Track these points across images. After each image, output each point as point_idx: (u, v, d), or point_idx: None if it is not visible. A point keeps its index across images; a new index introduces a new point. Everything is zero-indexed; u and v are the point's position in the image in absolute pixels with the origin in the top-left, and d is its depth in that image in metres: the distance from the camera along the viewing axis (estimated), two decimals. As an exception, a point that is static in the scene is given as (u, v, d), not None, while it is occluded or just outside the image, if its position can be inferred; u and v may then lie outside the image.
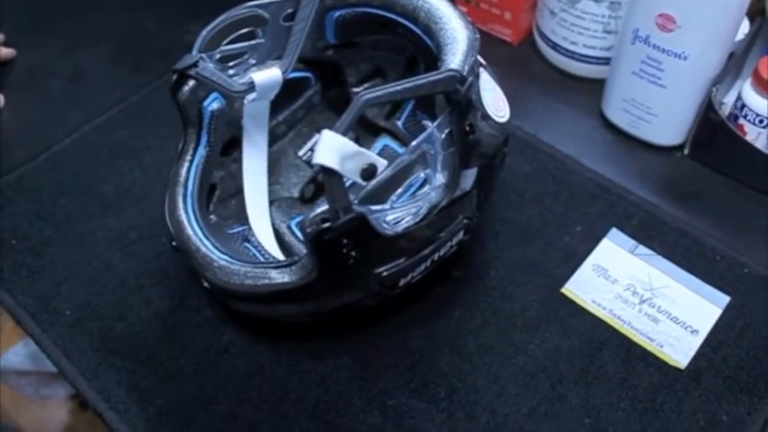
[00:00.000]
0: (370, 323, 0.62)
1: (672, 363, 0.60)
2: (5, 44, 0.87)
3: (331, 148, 0.46)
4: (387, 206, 0.51)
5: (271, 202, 0.67)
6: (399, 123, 0.69)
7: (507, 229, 0.68)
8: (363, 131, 0.70)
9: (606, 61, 0.78)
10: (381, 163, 0.49)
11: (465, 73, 0.51)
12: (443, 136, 0.52)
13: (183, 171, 0.59)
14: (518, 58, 0.85)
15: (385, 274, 0.53)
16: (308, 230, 0.48)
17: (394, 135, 0.70)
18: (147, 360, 0.62)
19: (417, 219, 0.52)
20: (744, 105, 0.69)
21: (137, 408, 0.59)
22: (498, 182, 0.62)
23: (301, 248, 0.63)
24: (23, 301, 0.66)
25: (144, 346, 0.62)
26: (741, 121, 0.70)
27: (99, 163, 0.76)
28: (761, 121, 0.69)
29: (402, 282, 0.55)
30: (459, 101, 0.51)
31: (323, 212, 0.48)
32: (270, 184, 0.67)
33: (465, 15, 0.57)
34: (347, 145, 0.47)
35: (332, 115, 0.70)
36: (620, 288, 0.65)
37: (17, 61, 0.87)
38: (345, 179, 0.48)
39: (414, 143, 0.51)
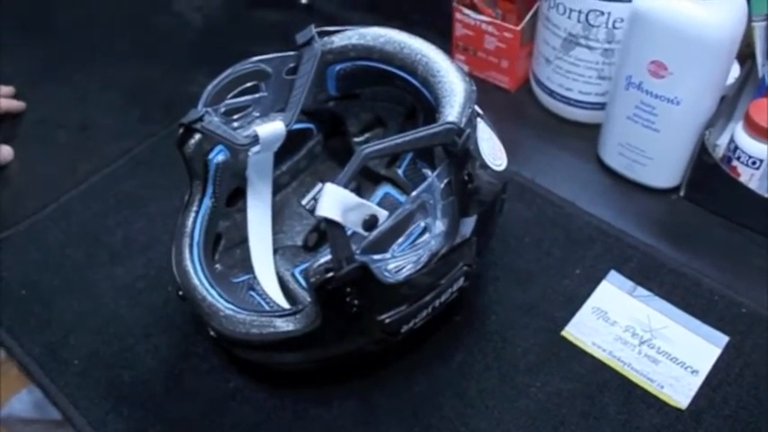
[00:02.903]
0: (373, 368, 0.63)
1: (672, 403, 0.61)
2: (15, 96, 0.89)
3: (333, 200, 0.48)
4: (388, 255, 0.53)
5: (275, 251, 0.68)
6: (400, 171, 0.71)
7: (507, 273, 0.70)
8: (365, 180, 0.72)
9: (601, 106, 0.80)
10: (382, 214, 0.51)
11: (462, 125, 0.53)
12: (443, 185, 0.54)
13: (190, 222, 0.61)
14: (515, 105, 0.87)
15: (387, 321, 0.54)
16: (312, 280, 0.50)
17: (395, 183, 0.71)
18: (155, 408, 0.63)
19: (418, 267, 0.54)
20: (737, 147, 0.71)
21: (145, 456, 0.60)
22: (497, 228, 0.64)
23: (305, 296, 0.64)
24: (31, 350, 0.67)
25: (151, 395, 0.63)
26: (734, 162, 0.72)
27: (106, 213, 0.77)
28: (753, 163, 0.70)
29: (404, 328, 0.56)
30: (457, 152, 0.53)
31: (326, 262, 0.49)
32: (274, 233, 0.68)
33: (462, 68, 0.59)
34: (349, 197, 0.48)
35: (334, 164, 0.72)
36: (620, 330, 0.66)
37: (26, 113, 0.89)
38: (347, 229, 0.49)
39: (414, 193, 0.52)
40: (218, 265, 0.64)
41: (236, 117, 0.63)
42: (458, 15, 0.86)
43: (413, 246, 0.54)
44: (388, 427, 0.60)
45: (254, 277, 0.65)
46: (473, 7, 0.84)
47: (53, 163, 0.83)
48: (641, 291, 0.68)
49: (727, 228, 0.74)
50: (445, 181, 0.54)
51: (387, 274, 0.52)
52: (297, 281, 0.66)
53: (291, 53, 0.64)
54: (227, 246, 0.65)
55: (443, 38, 0.88)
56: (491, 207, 0.59)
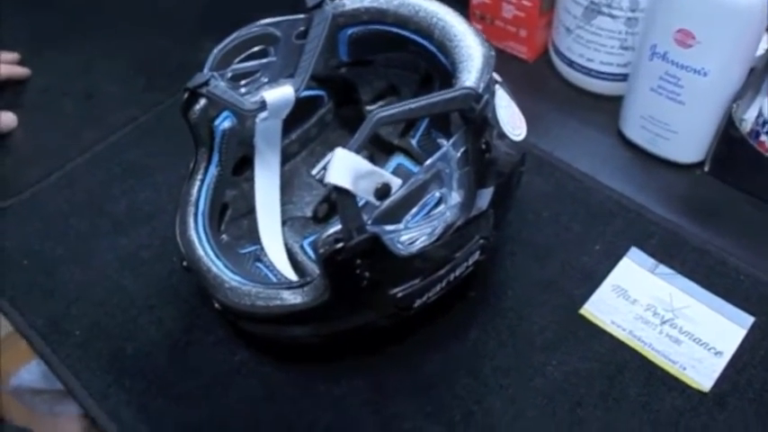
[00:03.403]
0: (384, 344, 0.61)
1: (695, 386, 0.59)
2: (20, 63, 0.87)
3: (344, 167, 0.45)
4: (401, 226, 0.50)
5: (283, 222, 0.66)
6: (413, 141, 0.68)
7: (524, 248, 0.67)
8: (377, 150, 0.69)
9: (623, 78, 0.77)
10: (396, 182, 0.48)
11: (480, 90, 0.50)
12: (459, 154, 0.51)
13: (195, 191, 0.59)
14: (534, 76, 0.84)
15: (399, 295, 0.52)
16: (321, 251, 0.47)
17: (408, 153, 0.69)
18: (158, 381, 0.61)
19: (432, 239, 0.51)
20: (765, 122, 0.68)
21: (146, 430, 0.58)
22: (515, 201, 0.61)
23: (314, 269, 0.62)
24: (34, 321, 0.65)
25: (154, 368, 0.62)
26: (763, 137, 0.69)
27: (111, 182, 0.75)
28: (783, 137, 0.67)
29: (417, 303, 0.54)
30: (474, 119, 0.50)
31: (336, 233, 0.47)
32: (282, 204, 0.66)
33: (480, 33, 0.56)
34: (360, 163, 0.46)
35: (345, 133, 0.70)
36: (641, 309, 0.63)
37: (30, 81, 0.87)
38: (359, 198, 0.47)
39: (428, 162, 0.50)
40: (224, 236, 0.62)
41: (243, 83, 0.61)
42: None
43: (427, 217, 0.52)
44: (398, 406, 0.58)
45: (262, 248, 0.63)
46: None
47: (57, 131, 0.81)
48: (663, 268, 0.65)
49: (754, 205, 0.71)
50: (461, 150, 0.51)
51: (399, 245, 0.50)
52: (306, 253, 0.64)
53: (301, 16, 0.61)
54: (233, 216, 0.63)
55: (459, 5, 0.84)
56: (509, 179, 0.56)
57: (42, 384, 1.21)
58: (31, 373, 1.25)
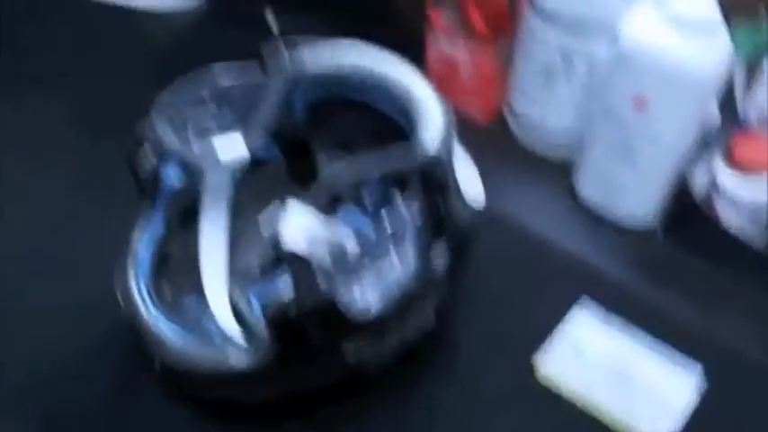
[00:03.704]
0: (333, 405, 0.58)
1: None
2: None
3: (298, 231, 0.44)
4: (355, 287, 0.48)
5: (229, 274, 0.63)
6: (365, 193, 0.66)
7: (476, 305, 0.66)
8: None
9: (578, 141, 0.77)
10: (351, 243, 0.47)
11: (441, 155, 0.49)
12: (415, 216, 0.50)
13: (136, 242, 0.56)
14: (489, 138, 0.84)
15: (349, 357, 0.50)
16: (270, 314, 0.45)
17: (360, 203, 0.67)
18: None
19: (386, 302, 0.49)
20: (717, 184, 0.68)
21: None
22: (470, 262, 0.60)
23: (260, 323, 0.59)
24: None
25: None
26: (715, 200, 0.69)
27: (50, 232, 0.72)
28: (735, 201, 0.68)
29: (368, 365, 0.52)
30: (432, 179, 0.49)
31: (288, 299, 0.45)
32: (229, 255, 0.63)
33: (439, 94, 0.55)
34: (315, 227, 0.44)
35: (297, 188, 0.67)
36: (594, 364, 0.62)
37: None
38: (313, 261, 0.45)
39: (385, 222, 0.49)
40: (166, 289, 0.59)
41: (192, 131, 0.59)
42: (431, 44, 0.83)
43: (381, 278, 0.50)
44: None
45: (206, 302, 0.60)
46: (447, 36, 0.81)
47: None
48: (615, 319, 0.65)
49: (708, 268, 0.71)
50: (418, 211, 0.50)
51: (352, 307, 0.48)
52: (251, 307, 0.61)
53: (255, 64, 0.60)
54: (177, 268, 0.60)
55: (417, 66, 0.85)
56: (465, 241, 0.55)
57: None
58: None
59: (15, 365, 0.62)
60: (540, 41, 0.73)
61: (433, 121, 0.52)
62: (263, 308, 0.46)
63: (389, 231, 0.50)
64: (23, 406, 0.60)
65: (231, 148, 0.58)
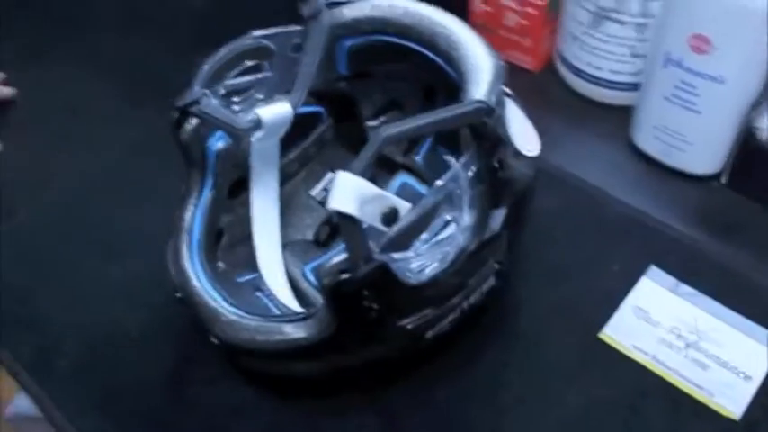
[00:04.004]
0: (394, 376, 0.57)
1: (725, 413, 0.55)
2: (5, 83, 0.84)
3: (348, 191, 0.42)
4: (411, 253, 0.47)
5: (283, 247, 0.62)
6: (418, 159, 0.64)
7: (538, 269, 0.64)
8: (379, 169, 0.66)
9: (635, 87, 0.74)
10: (404, 206, 0.45)
11: (492, 104, 0.47)
12: (470, 174, 0.48)
13: (188, 216, 0.55)
14: (539, 87, 0.81)
15: (410, 326, 0.49)
16: (325, 282, 0.44)
17: (413, 172, 0.65)
18: (152, 420, 0.57)
19: (444, 265, 0.48)
20: (786, 129, 0.65)
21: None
22: (528, 220, 0.58)
23: (318, 297, 0.58)
24: (22, 354, 0.62)
25: (148, 405, 0.58)
26: (784, 145, 0.65)
27: (100, 204, 0.72)
28: (806, 147, 0.64)
29: (429, 334, 0.51)
30: (486, 135, 0.47)
31: (341, 262, 0.43)
32: (282, 227, 0.62)
33: (487, 42, 0.53)
34: (366, 187, 0.43)
35: (346, 152, 0.66)
36: (664, 331, 0.60)
37: (17, 99, 0.83)
38: (364, 224, 0.43)
39: (439, 183, 0.47)
40: (220, 263, 0.58)
41: (236, 99, 0.57)
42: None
43: (438, 242, 0.48)
44: (411, 441, 0.55)
45: (261, 276, 0.59)
46: (493, -19, 0.78)
47: (44, 152, 0.77)
48: (685, 288, 0.62)
49: (776, 217, 0.67)
50: (473, 169, 0.48)
51: (409, 274, 0.46)
52: (308, 279, 0.60)
53: (297, 28, 0.58)
54: (229, 242, 0.60)
55: (459, 16, 0.82)
56: (523, 197, 0.53)
57: (39, 412, 1.18)
58: (26, 399, 1.22)
59: (75, 337, 0.62)
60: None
61: (483, 73, 0.50)
62: (319, 279, 0.45)
63: (445, 192, 0.47)
64: (83, 377, 0.60)
65: (276, 112, 0.57)
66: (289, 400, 0.57)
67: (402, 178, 0.65)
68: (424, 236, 0.48)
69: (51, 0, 0.95)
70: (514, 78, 0.74)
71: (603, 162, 0.73)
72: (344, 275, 0.43)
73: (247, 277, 0.59)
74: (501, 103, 0.49)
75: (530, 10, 0.77)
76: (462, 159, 0.48)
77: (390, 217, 0.45)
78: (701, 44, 0.62)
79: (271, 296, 0.58)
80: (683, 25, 0.63)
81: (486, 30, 0.82)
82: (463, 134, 0.54)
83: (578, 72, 0.77)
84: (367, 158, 0.43)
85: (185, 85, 0.55)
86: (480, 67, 0.50)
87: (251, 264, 0.60)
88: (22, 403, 1.22)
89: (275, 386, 0.57)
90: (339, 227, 0.44)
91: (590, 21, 0.72)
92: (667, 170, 0.72)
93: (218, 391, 0.58)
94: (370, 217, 0.44)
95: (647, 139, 0.72)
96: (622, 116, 0.75)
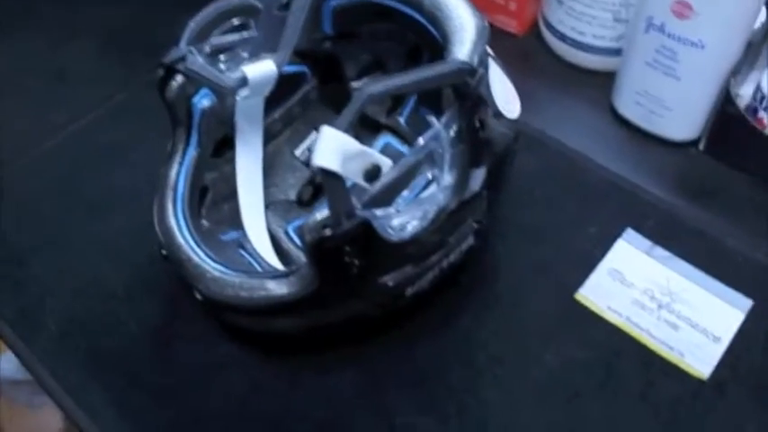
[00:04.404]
0: (374, 334, 0.58)
1: (694, 373, 0.57)
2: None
3: (331, 147, 0.42)
4: (392, 210, 0.48)
5: (267, 206, 0.63)
6: (401, 119, 0.65)
7: (516, 230, 0.65)
8: (363, 129, 0.66)
9: (617, 52, 0.74)
10: (386, 163, 0.46)
11: (475, 64, 0.47)
12: (451, 133, 0.48)
13: (173, 173, 0.56)
14: (523, 51, 0.82)
15: (391, 283, 0.50)
16: (308, 238, 0.45)
17: (396, 132, 0.66)
18: (138, 377, 0.58)
19: (425, 223, 0.49)
20: (764, 97, 0.66)
21: (127, 428, 0.55)
22: (508, 181, 0.59)
23: (300, 255, 0.59)
24: (6, 314, 0.62)
25: (134, 362, 0.59)
26: (761, 114, 0.66)
27: (85, 165, 0.72)
28: (782, 114, 0.65)
29: (409, 291, 0.52)
30: (468, 95, 0.47)
31: (323, 219, 0.44)
32: (265, 186, 0.63)
33: (472, 3, 0.53)
34: (349, 144, 0.43)
35: (330, 112, 0.66)
36: (638, 293, 0.61)
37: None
38: (347, 181, 0.44)
39: (420, 142, 0.47)
40: (204, 221, 0.59)
41: (222, 58, 0.57)
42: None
43: (418, 199, 0.49)
44: (390, 397, 0.56)
45: (245, 234, 0.60)
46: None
47: (27, 114, 0.77)
48: (660, 251, 0.63)
49: (751, 184, 0.68)
50: (454, 128, 0.49)
51: (390, 231, 0.47)
52: (290, 239, 0.61)
53: None
54: (214, 200, 0.60)
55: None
56: (503, 158, 0.54)
57: (20, 375, 1.18)
58: (9, 362, 1.22)
59: (61, 299, 0.63)
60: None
61: (466, 33, 0.50)
62: (302, 237, 0.46)
63: (427, 150, 0.48)
64: (70, 335, 0.60)
65: (261, 70, 0.57)
66: (271, 356, 0.58)
67: (385, 138, 0.66)
68: (405, 193, 0.48)
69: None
70: (499, 42, 0.75)
71: (585, 127, 0.74)
72: (327, 231, 0.44)
73: (231, 235, 0.60)
74: (483, 64, 0.50)
75: (515, -26, 0.78)
76: (443, 119, 0.48)
77: (372, 174, 0.46)
78: (682, 9, 0.63)
79: (254, 254, 0.59)
80: (665, -10, 0.63)
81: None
82: (446, 95, 0.55)
83: (562, 36, 0.78)
84: (351, 115, 0.43)
85: (170, 44, 0.55)
86: (464, 27, 0.51)
87: (235, 221, 0.61)
88: (5, 365, 1.23)
89: (258, 342, 0.58)
90: (322, 185, 0.44)
91: (574, -15, 0.73)
92: (647, 136, 0.73)
93: (203, 347, 0.59)
94: (353, 173, 0.44)
95: (628, 105, 0.73)
96: (605, 81, 0.75)
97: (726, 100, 0.67)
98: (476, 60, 0.48)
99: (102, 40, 0.84)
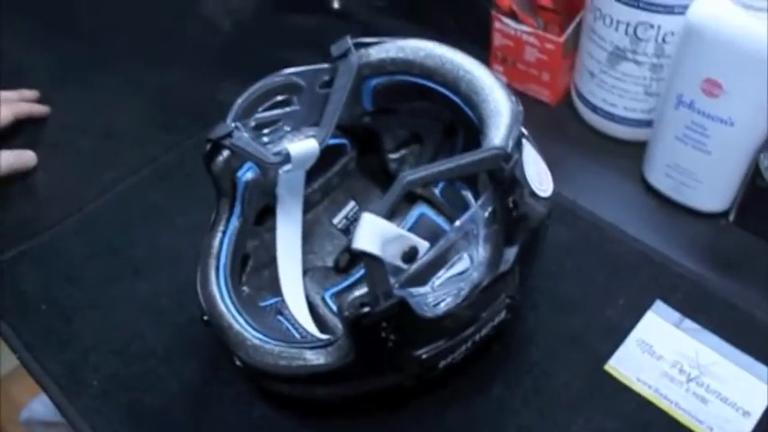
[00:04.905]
0: (406, 401, 0.59)
1: (723, 448, 0.58)
2: (40, 100, 0.87)
3: (372, 232, 0.45)
4: (428, 288, 0.49)
5: (304, 272, 0.65)
6: (437, 191, 0.67)
7: (547, 300, 0.66)
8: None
9: (647, 124, 0.76)
10: (423, 245, 0.48)
11: (509, 150, 0.49)
12: (486, 214, 0.50)
13: (216, 242, 0.58)
14: (555, 120, 0.84)
15: (425, 356, 0.51)
16: (347, 315, 0.47)
17: (431, 203, 0.68)
18: (177, 436, 0.60)
19: (458, 300, 0.50)
20: (793, 172, 0.67)
21: (165, 487, 0.57)
22: (540, 255, 0.60)
23: (336, 322, 0.61)
24: (50, 368, 0.64)
25: (173, 421, 0.61)
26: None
27: (130, 225, 0.75)
28: (811, 190, 0.66)
29: (442, 363, 0.53)
30: (503, 178, 0.49)
31: (362, 296, 0.46)
32: (304, 253, 0.65)
33: (507, 86, 0.55)
34: (388, 229, 0.45)
35: (368, 182, 0.69)
36: (667, 365, 0.62)
37: (50, 117, 0.87)
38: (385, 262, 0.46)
39: (457, 224, 0.49)
40: (245, 288, 0.61)
41: (266, 132, 0.60)
42: (497, 25, 0.82)
43: (453, 277, 0.51)
44: (422, 463, 0.57)
45: (283, 300, 0.62)
46: (513, 16, 0.80)
47: (76, 171, 0.81)
48: (689, 323, 0.64)
49: (783, 256, 0.69)
50: (489, 209, 0.51)
51: (425, 308, 0.49)
52: (327, 305, 0.63)
53: (325, 66, 0.61)
54: (254, 267, 0.62)
55: (481, 47, 0.84)
56: (535, 234, 0.55)
57: (54, 417, 1.20)
58: (42, 404, 1.25)
59: (104, 356, 0.65)
60: (607, 19, 0.72)
61: (502, 117, 0.52)
62: (340, 309, 0.48)
63: (462, 232, 0.50)
64: (111, 394, 0.63)
65: (304, 148, 0.59)
66: (307, 419, 0.60)
67: (421, 209, 0.68)
68: (440, 272, 0.50)
69: (85, 28, 0.99)
70: (532, 111, 0.77)
71: (616, 196, 0.76)
72: (365, 309, 0.46)
73: (270, 301, 0.62)
74: (518, 147, 0.52)
75: (548, 45, 0.80)
76: (480, 200, 0.50)
77: (410, 255, 0.48)
78: (712, 88, 0.65)
79: (292, 320, 0.61)
80: (695, 70, 0.65)
81: (506, 63, 0.85)
82: (480, 173, 0.57)
83: (594, 108, 0.80)
84: (390, 201, 0.45)
85: (214, 111, 0.58)
86: (499, 111, 0.53)
87: (274, 288, 0.63)
88: (38, 407, 1.25)
89: (294, 406, 0.60)
90: (359, 259, 0.46)
91: (606, 59, 0.75)
92: (677, 207, 0.74)
93: (240, 408, 0.61)
94: (391, 255, 0.46)
95: (659, 176, 0.74)
96: (636, 152, 0.77)
97: (755, 173, 0.68)
98: (510, 145, 0.50)
99: (147, 103, 0.88)
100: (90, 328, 0.67)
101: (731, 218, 0.72)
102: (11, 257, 0.72)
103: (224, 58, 0.93)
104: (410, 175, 0.46)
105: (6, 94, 0.84)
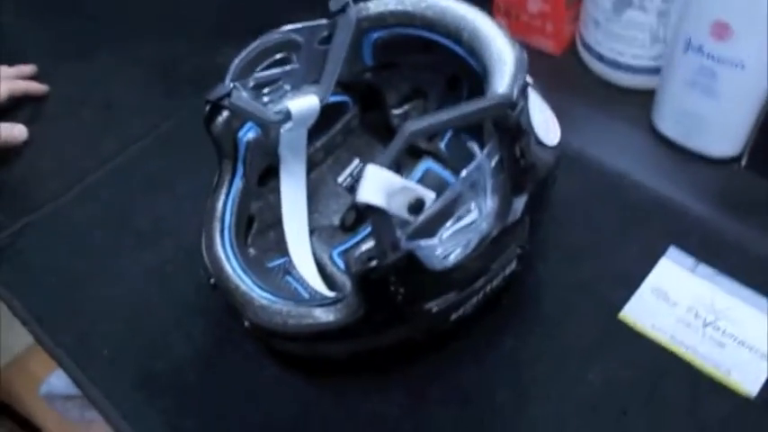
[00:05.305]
0: (418, 357, 0.59)
1: (741, 391, 0.57)
2: (38, 74, 0.86)
3: (376, 184, 0.43)
4: (435, 240, 0.48)
5: (311, 232, 0.64)
6: (442, 145, 0.66)
7: (557, 251, 0.65)
8: (404, 155, 0.67)
9: (655, 71, 0.75)
10: (429, 196, 0.47)
11: (515, 98, 0.48)
12: (493, 163, 0.49)
13: (220, 205, 0.57)
14: (561, 70, 0.82)
15: (435, 309, 0.51)
16: (354, 270, 0.46)
17: (437, 157, 0.67)
18: (190, 399, 0.60)
19: (467, 251, 0.50)
20: (805, 112, 0.66)
21: (181, 450, 0.57)
22: (549, 204, 0.59)
23: (345, 280, 0.60)
24: (61, 339, 0.64)
25: (184, 385, 0.61)
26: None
27: (133, 194, 0.74)
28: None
29: (453, 316, 0.53)
30: (509, 127, 0.48)
31: (369, 250, 0.45)
32: (309, 213, 0.64)
33: (510, 35, 0.54)
34: (393, 180, 0.44)
35: (371, 139, 0.68)
36: (682, 311, 0.61)
37: (49, 91, 0.85)
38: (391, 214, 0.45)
39: (463, 174, 0.48)
40: (251, 249, 0.60)
41: (266, 91, 0.59)
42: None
43: (461, 228, 0.50)
44: (436, 419, 0.57)
45: (290, 261, 0.62)
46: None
47: (77, 143, 0.80)
48: (704, 268, 0.63)
49: (795, 200, 0.68)
50: (495, 158, 0.50)
51: (434, 260, 0.48)
52: (335, 263, 0.62)
53: (324, 22, 0.59)
54: (259, 228, 0.62)
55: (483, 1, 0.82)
56: (544, 183, 0.54)
57: (72, 390, 1.21)
58: (60, 378, 1.25)
59: (113, 324, 0.65)
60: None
61: (506, 65, 0.51)
62: (348, 266, 0.47)
63: (469, 182, 0.49)
64: (121, 359, 0.62)
65: (305, 105, 0.58)
66: (317, 378, 0.60)
67: (426, 164, 0.67)
68: (448, 223, 0.49)
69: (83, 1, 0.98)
70: (536, 63, 0.75)
71: (625, 145, 0.74)
72: (373, 263, 0.45)
73: (277, 262, 0.61)
74: (523, 95, 0.51)
75: (551, -4, 0.78)
76: (485, 149, 0.49)
77: (416, 206, 0.47)
78: (721, 31, 0.63)
79: (300, 280, 0.60)
80: (704, 12, 0.63)
81: (509, 15, 0.83)
82: (486, 123, 0.56)
83: (600, 57, 0.78)
84: (394, 152, 0.44)
85: (214, 76, 0.57)
86: (503, 59, 0.51)
87: (280, 248, 0.62)
88: (56, 381, 1.26)
89: (304, 365, 0.60)
90: (364, 214, 0.45)
91: (612, 7, 0.73)
92: (688, 153, 0.73)
93: (250, 369, 0.61)
94: (397, 207, 0.45)
95: (668, 123, 0.73)
96: (644, 100, 0.76)
97: (766, 117, 0.66)
98: (515, 93, 0.49)
99: (148, 72, 0.87)
100: (97, 298, 0.66)
101: (743, 162, 0.71)
102: (16, 230, 0.72)
103: (221, 24, 0.92)
104: (413, 126, 0.44)
105: (4, 69, 0.83)
